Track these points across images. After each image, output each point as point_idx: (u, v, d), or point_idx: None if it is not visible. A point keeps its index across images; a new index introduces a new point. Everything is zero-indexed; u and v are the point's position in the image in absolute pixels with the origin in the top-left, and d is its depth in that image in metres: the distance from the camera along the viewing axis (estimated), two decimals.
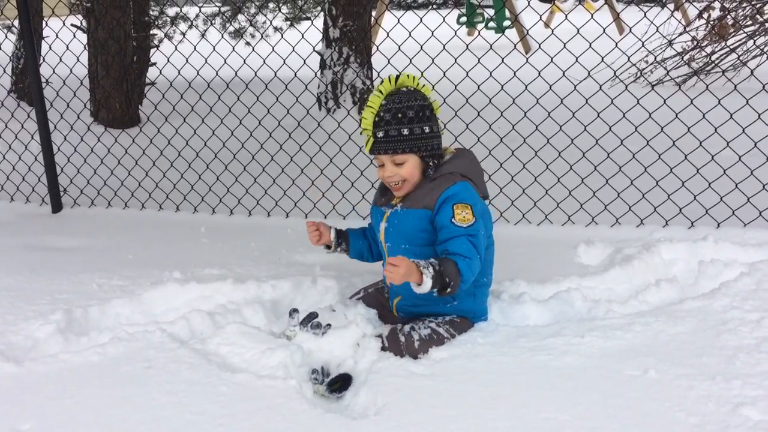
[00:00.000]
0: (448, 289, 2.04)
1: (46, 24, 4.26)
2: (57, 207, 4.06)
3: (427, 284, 2.00)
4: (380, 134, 2.19)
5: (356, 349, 2.20)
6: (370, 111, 2.20)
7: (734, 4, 6.60)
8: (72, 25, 5.40)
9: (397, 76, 2.24)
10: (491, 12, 12.79)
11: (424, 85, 2.28)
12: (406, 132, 2.17)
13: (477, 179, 2.28)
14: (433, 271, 2.02)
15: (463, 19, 12.60)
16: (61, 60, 4.16)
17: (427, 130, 2.20)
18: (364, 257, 2.52)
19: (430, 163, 2.23)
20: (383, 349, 2.19)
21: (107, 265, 3.05)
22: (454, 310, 2.27)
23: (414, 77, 2.26)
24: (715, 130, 3.22)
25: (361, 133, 2.29)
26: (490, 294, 2.50)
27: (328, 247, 2.49)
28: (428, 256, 2.13)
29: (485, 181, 2.41)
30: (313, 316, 2.28)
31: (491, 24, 12.44)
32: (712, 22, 6.52)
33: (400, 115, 2.17)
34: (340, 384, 2.09)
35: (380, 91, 2.20)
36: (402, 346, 2.16)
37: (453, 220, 2.10)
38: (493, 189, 3.53)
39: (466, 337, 2.22)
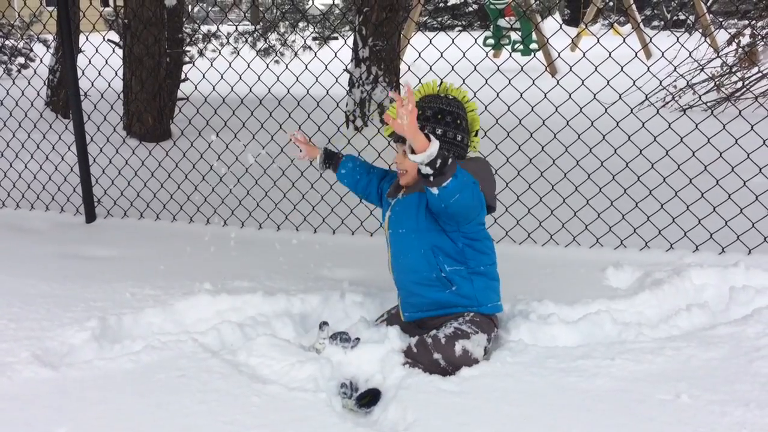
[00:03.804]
0: (446, 171, 1.92)
1: (87, 39, 4.36)
2: (91, 217, 4.13)
3: (435, 146, 1.89)
4: None
5: (384, 364, 2.21)
6: None
7: (766, 31, 6.58)
8: (109, 40, 5.55)
9: (440, 83, 2.36)
10: (516, 34, 12.87)
11: (469, 100, 2.37)
12: (439, 132, 2.26)
13: (485, 183, 2.22)
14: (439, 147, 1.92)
15: (490, 41, 12.70)
16: (99, 74, 4.26)
17: (458, 138, 2.30)
18: (354, 180, 2.73)
19: None
20: (410, 356, 2.20)
21: (139, 275, 3.10)
22: (455, 296, 2.29)
23: (460, 90, 2.36)
24: (748, 156, 3.20)
25: (383, 121, 2.12)
26: (518, 314, 2.54)
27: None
28: (425, 241, 2.26)
29: (496, 192, 2.38)
30: (343, 333, 2.31)
31: (518, 46, 12.52)
32: (743, 48, 6.49)
33: (439, 116, 2.27)
34: (368, 399, 2.09)
35: (419, 91, 2.33)
36: (430, 346, 2.19)
37: None
38: (520, 210, 3.55)
39: (495, 356, 2.22)
